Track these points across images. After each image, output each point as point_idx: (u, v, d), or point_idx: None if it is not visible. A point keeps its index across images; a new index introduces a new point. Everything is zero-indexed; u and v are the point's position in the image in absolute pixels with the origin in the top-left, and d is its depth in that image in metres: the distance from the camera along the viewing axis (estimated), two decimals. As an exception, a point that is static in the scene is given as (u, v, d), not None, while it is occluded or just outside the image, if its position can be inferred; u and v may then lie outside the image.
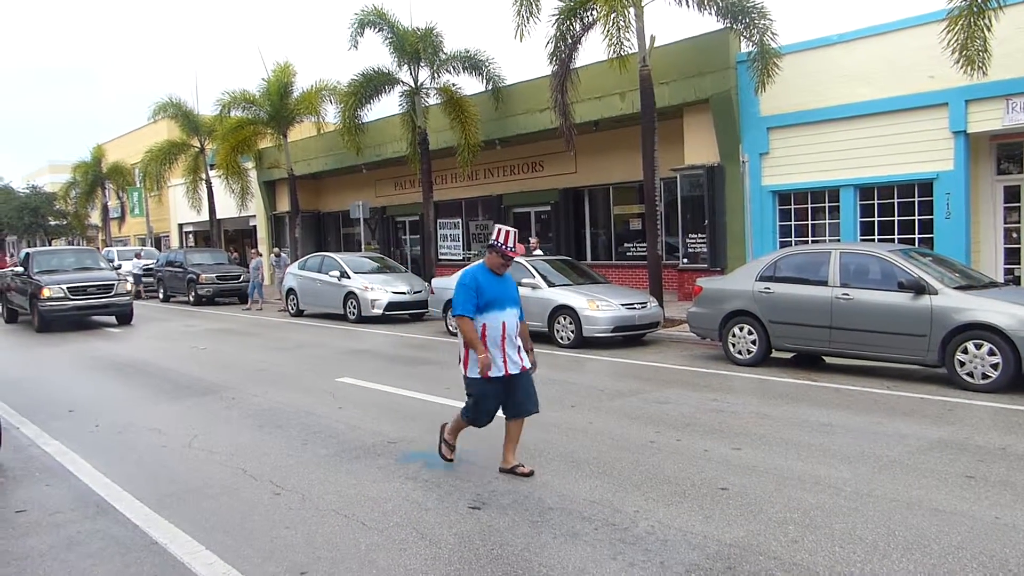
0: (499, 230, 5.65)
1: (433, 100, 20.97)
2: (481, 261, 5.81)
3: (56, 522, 5.12)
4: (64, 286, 16.97)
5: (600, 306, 12.17)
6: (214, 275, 23.89)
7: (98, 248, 33.91)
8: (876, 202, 14.20)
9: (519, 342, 5.81)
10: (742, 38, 14.75)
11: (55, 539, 4.82)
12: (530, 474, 5.67)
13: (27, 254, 19.01)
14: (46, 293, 16.74)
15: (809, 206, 15.15)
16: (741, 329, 10.25)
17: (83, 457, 6.64)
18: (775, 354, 10.28)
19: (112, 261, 24.62)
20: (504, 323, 5.64)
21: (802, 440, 6.49)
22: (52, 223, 51.10)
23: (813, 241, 14.88)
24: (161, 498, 5.50)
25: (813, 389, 8.65)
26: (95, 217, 44.58)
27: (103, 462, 6.47)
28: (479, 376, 5.57)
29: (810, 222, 15.18)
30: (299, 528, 4.85)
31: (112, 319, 18.55)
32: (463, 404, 5.85)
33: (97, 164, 40.29)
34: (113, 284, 17.90)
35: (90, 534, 4.88)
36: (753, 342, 10.10)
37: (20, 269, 18.43)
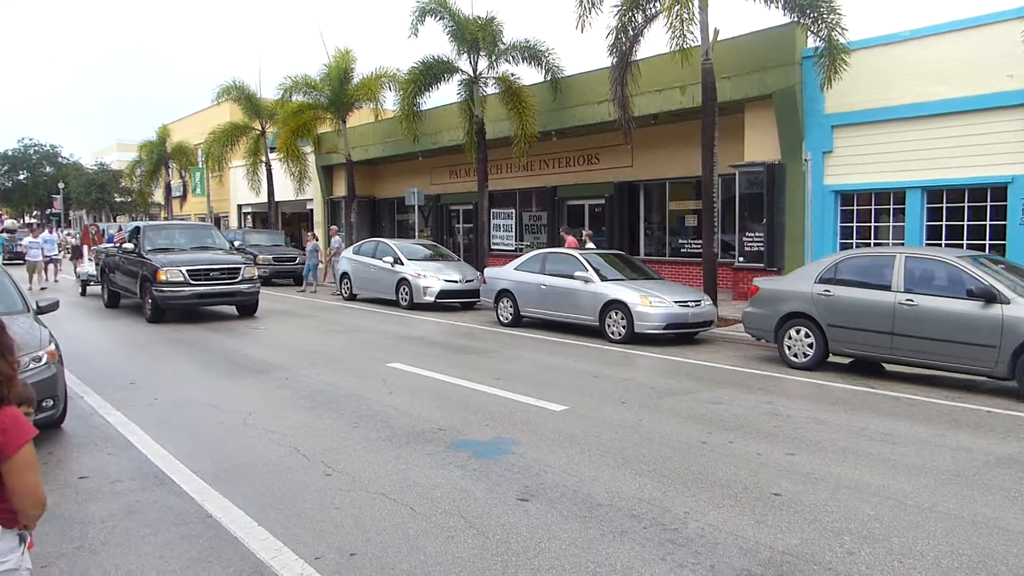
0: None
1: (491, 89, 20.94)
2: None
3: (116, 490, 5.27)
4: (183, 269, 14.32)
5: (653, 302, 12.03)
6: (271, 256, 24.27)
7: None
8: (945, 205, 13.74)
9: None
10: (809, 33, 14.38)
11: (115, 507, 4.96)
12: None
13: (137, 228, 16.44)
14: (163, 276, 14.16)
15: (873, 207, 14.74)
16: (798, 331, 10.02)
17: (143, 428, 6.83)
18: (832, 358, 10.01)
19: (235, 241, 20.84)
20: None
21: (860, 448, 6.31)
22: (118, 200, 52.67)
23: (876, 244, 14.48)
24: (216, 472, 5.61)
25: (872, 396, 8.42)
26: (158, 195, 45.73)
27: (162, 434, 6.64)
28: None
29: (873, 224, 14.76)
30: (349, 510, 4.90)
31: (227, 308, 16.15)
32: None
33: (162, 144, 41.31)
34: (239, 268, 15.02)
35: (148, 504, 5.01)
36: (810, 345, 9.87)
37: (130, 246, 15.79)
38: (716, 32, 14.32)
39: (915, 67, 13.70)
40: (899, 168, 14.00)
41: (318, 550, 4.29)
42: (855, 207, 14.98)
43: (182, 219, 43.92)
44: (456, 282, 17.12)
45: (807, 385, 9.05)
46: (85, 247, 24.17)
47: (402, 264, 17.61)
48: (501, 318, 14.57)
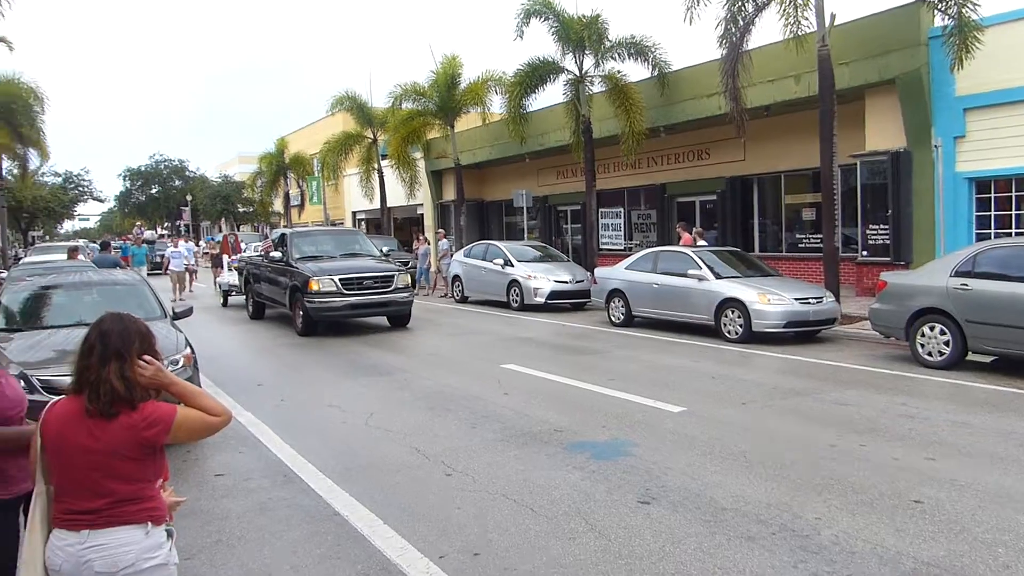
0: None
1: (597, 88, 20.77)
2: None
3: (249, 488, 5.51)
4: (336, 277, 13.46)
5: (771, 300, 11.61)
6: (384, 261, 24.79)
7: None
8: (1096, 190, 12.62)
9: None
10: (936, 11, 13.53)
11: (248, 503, 5.18)
12: None
13: (283, 235, 15.69)
14: (315, 286, 13.30)
15: (1013, 194, 13.71)
16: (932, 328, 9.42)
17: (271, 428, 7.12)
18: (971, 357, 9.38)
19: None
20: None
21: (1009, 454, 5.86)
22: (240, 210, 55.49)
23: (1017, 234, 13.46)
24: (341, 471, 5.78)
25: (1019, 398, 7.80)
26: (278, 204, 47.85)
27: (289, 434, 6.90)
28: None
29: (1014, 212, 13.73)
30: (470, 509, 4.93)
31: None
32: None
33: (280, 155, 43.19)
34: (392, 276, 14.10)
35: (279, 501, 5.21)
36: (946, 343, 9.26)
37: (277, 254, 14.95)
38: (833, 16, 13.70)
39: (1060, 41, 12.64)
40: (1043, 151, 12.96)
41: (442, 549, 4.34)
42: (992, 195, 13.98)
43: (302, 226, 45.77)
44: (566, 283, 17.07)
45: (944, 385, 8.50)
46: (225, 257, 23.65)
47: (512, 266, 17.71)
48: (612, 318, 14.41)
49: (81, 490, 2.46)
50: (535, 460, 5.94)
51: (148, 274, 20.01)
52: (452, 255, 21.49)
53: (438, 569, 4.08)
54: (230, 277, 20.34)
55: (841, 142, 14.52)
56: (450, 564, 4.14)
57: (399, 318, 14.68)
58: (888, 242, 15.27)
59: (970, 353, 9.22)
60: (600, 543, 4.37)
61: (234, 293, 19.64)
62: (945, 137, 14.00)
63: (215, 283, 23.83)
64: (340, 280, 13.47)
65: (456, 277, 19.92)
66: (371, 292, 13.77)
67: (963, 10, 12.65)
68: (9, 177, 35.44)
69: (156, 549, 2.51)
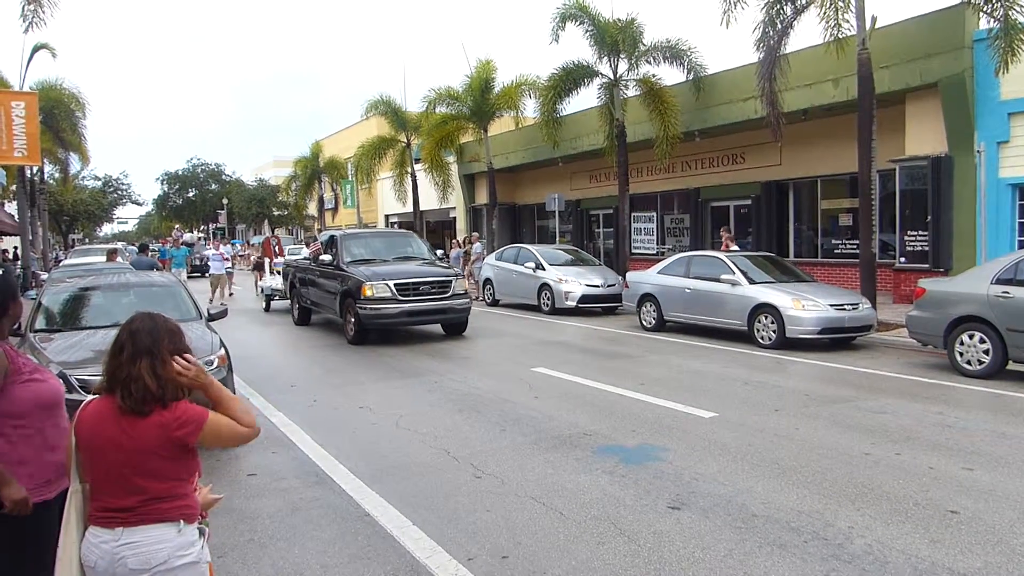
0: None
1: (631, 92, 20.71)
2: None
3: (281, 488, 5.57)
4: (390, 283, 12.65)
5: (806, 306, 11.46)
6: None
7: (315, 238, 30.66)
8: None
9: None
10: (981, 13, 13.26)
11: (281, 503, 5.24)
12: None
13: (333, 237, 14.84)
14: (368, 292, 12.55)
15: (1057, 201, 13.40)
16: (971, 336, 9.23)
17: (303, 429, 7.20)
18: (1012, 366, 9.17)
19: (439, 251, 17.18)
20: None
21: (1050, 465, 5.73)
22: (275, 213, 56.20)
23: (1061, 241, 13.15)
24: (372, 472, 5.83)
25: (1061, 408, 7.63)
26: (312, 208, 48.38)
27: (320, 435, 6.97)
28: None
29: (1058, 219, 13.42)
30: (499, 512, 4.94)
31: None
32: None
33: (315, 159, 43.69)
34: (449, 281, 13.27)
35: (310, 501, 5.27)
36: (985, 351, 9.07)
37: (327, 257, 14.22)
38: (874, 19, 13.53)
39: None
40: (1089, 156, 12.64)
41: (471, 551, 4.35)
42: (1036, 201, 13.67)
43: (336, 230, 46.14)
44: (597, 287, 17.02)
45: (983, 395, 8.32)
46: (266, 260, 23.27)
47: (544, 269, 17.70)
48: (644, 323, 14.34)
49: (115, 488, 2.50)
50: (564, 464, 5.93)
51: (188, 276, 20.07)
52: (484, 258, 21.52)
53: (467, 571, 4.10)
54: (273, 281, 19.89)
55: (880, 147, 14.32)
56: (479, 566, 4.15)
57: (456, 326, 13.84)
58: (927, 248, 15.01)
59: (1011, 362, 9.03)
60: (629, 548, 4.35)
61: (277, 298, 19.11)
62: (988, 142, 13.75)
63: (256, 287, 23.95)
64: (395, 285, 12.66)
65: (487, 280, 19.95)
66: (428, 298, 12.90)
67: (1009, 12, 12.39)
68: (51, 181, 36.30)
69: (188, 547, 2.53)
